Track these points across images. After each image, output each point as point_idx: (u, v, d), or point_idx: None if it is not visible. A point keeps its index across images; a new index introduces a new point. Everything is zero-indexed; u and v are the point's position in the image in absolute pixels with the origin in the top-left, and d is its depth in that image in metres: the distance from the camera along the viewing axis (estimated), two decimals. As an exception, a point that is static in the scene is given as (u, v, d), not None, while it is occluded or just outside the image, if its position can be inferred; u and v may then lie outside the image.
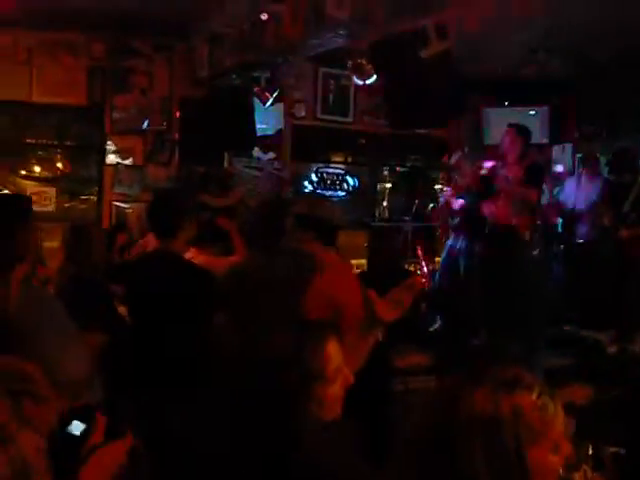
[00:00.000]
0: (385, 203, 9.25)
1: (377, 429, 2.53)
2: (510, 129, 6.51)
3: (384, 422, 2.62)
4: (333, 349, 2.05)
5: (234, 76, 6.97)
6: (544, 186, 7.11)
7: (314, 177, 8.45)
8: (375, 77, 5.26)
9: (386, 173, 9.43)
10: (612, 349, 6.21)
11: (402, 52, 4.46)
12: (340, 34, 5.35)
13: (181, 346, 3.24)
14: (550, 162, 9.70)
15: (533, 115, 9.20)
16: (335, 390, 2.04)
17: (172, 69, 7.68)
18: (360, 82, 5.77)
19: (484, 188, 6.30)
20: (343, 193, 8.73)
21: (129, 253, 5.66)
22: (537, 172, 6.45)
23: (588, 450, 2.25)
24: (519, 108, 9.25)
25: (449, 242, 7.44)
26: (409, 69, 4.43)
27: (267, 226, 4.78)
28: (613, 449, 2.29)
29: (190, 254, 4.64)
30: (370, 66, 5.29)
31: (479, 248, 6.37)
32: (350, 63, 5.71)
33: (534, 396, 1.62)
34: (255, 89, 6.85)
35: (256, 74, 6.94)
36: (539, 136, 9.22)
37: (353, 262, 7.10)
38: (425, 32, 4.41)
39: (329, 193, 8.56)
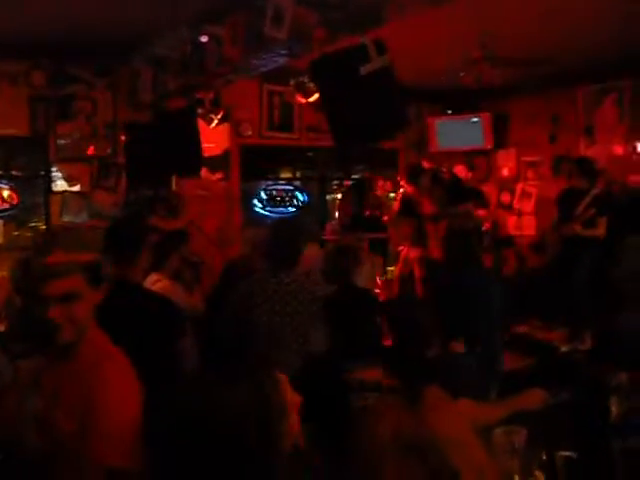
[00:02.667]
0: (336, 216, 9.32)
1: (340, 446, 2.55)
2: None
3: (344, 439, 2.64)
4: (285, 385, 2.01)
5: (178, 99, 6.95)
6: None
7: (263, 195, 8.47)
8: (317, 95, 5.30)
9: (335, 186, 9.53)
10: (564, 349, 6.34)
11: (342, 69, 4.49)
12: (281, 53, 5.38)
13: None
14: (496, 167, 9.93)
15: (476, 122, 9.38)
16: (293, 421, 2.04)
17: (115, 94, 7.64)
18: (303, 100, 5.81)
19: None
20: (293, 209, 8.77)
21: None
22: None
23: (541, 456, 2.30)
24: (462, 116, 9.43)
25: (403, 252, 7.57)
26: (350, 86, 4.46)
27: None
28: (565, 453, 2.34)
29: (153, 279, 4.64)
30: (312, 84, 5.33)
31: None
32: (292, 82, 5.74)
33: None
34: (199, 111, 6.84)
35: (200, 96, 6.93)
36: (484, 142, 9.43)
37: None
38: (364, 48, 4.44)
39: (279, 210, 8.59)
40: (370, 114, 4.50)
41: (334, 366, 2.99)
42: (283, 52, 5.33)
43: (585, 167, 7.23)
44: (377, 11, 4.61)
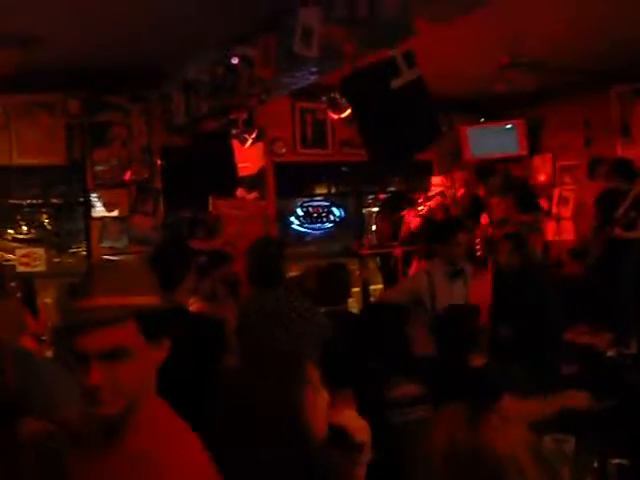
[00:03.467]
0: (373, 229, 9.33)
1: (382, 462, 2.55)
2: None
3: (389, 455, 2.64)
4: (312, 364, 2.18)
5: (212, 120, 7.02)
6: None
7: (300, 212, 8.50)
8: (349, 111, 5.32)
9: (370, 200, 9.54)
10: (610, 353, 6.23)
11: (373, 84, 4.51)
12: (312, 71, 5.42)
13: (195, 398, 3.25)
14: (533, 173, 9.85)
15: (510, 129, 9.33)
16: (321, 400, 2.14)
17: (149, 119, 7.74)
18: (335, 116, 5.84)
19: None
20: (330, 224, 8.79)
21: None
22: None
23: (593, 464, 2.28)
24: (495, 123, 9.39)
25: None
26: (381, 100, 4.48)
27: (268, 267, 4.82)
28: (617, 461, 2.31)
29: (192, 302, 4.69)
30: (343, 100, 5.36)
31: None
32: (324, 98, 5.77)
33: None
34: (234, 131, 6.91)
35: (233, 117, 6.99)
36: (518, 149, 9.37)
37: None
38: (394, 62, 4.46)
39: (316, 226, 8.61)
40: (403, 128, 4.51)
41: (371, 383, 2.99)
42: (314, 69, 5.37)
43: (622, 168, 7.15)
44: (404, 24, 4.62)
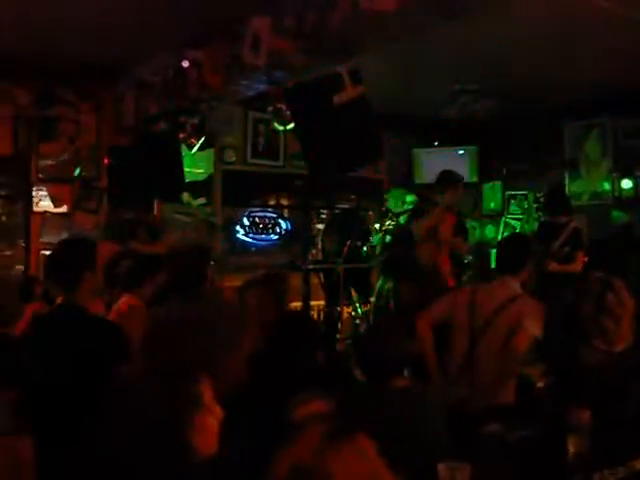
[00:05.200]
0: (319, 245, 9.30)
1: None
2: None
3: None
4: (206, 381, 2.13)
5: (161, 122, 6.96)
6: None
7: (246, 221, 8.44)
8: (293, 124, 5.31)
9: (320, 216, 9.51)
10: (540, 384, 6.25)
11: (316, 98, 4.50)
12: (260, 80, 5.40)
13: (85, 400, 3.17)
14: (481, 200, 9.92)
15: (462, 155, 9.39)
16: (213, 421, 2.10)
17: (99, 117, 7.64)
18: (281, 127, 5.82)
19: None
20: (276, 236, 8.74)
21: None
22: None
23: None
24: (448, 148, 9.45)
25: (379, 283, 7.54)
26: (323, 114, 4.47)
27: (190, 273, 4.80)
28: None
29: (123, 299, 4.59)
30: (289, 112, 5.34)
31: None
32: (270, 109, 5.76)
33: None
34: (181, 135, 6.84)
35: (183, 120, 6.93)
36: (468, 175, 9.43)
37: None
38: (339, 78, 4.46)
39: (262, 237, 8.56)
40: (343, 143, 4.50)
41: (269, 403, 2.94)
42: (262, 79, 5.35)
43: (557, 200, 7.27)
44: (353, 40, 4.63)
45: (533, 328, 4.49)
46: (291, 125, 5.45)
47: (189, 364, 2.18)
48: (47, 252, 7.49)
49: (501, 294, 4.48)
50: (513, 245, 4.87)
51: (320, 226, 9.24)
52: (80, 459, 2.33)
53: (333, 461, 1.55)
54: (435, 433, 3.17)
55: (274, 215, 8.76)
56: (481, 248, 9.00)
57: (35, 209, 7.62)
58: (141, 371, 2.32)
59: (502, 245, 5.25)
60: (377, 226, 8.71)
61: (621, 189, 8.47)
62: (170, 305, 3.95)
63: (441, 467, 2.45)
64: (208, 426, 2.08)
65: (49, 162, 7.58)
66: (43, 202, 7.65)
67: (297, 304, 7.70)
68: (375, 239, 8.40)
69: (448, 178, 6.79)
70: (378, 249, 8.33)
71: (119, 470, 1.96)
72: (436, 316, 4.55)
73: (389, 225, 8.36)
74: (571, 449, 3.06)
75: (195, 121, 7.08)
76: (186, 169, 7.44)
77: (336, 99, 4.38)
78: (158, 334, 2.33)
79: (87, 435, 2.03)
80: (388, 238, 8.21)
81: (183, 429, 2.00)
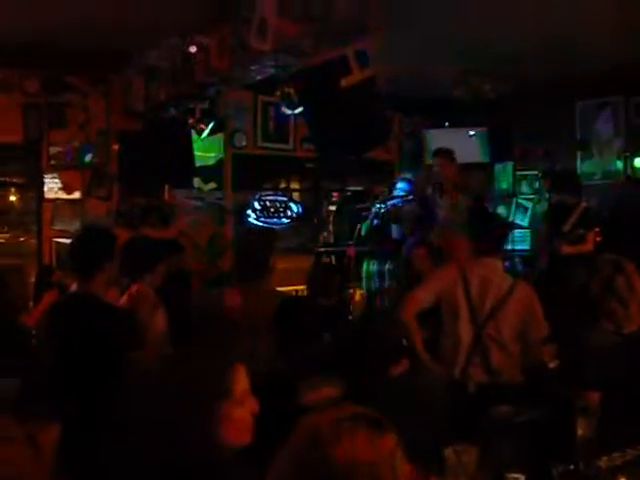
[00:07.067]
0: (330, 228, 9.31)
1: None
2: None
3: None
4: (241, 373, 2.12)
5: (171, 108, 6.96)
6: None
7: (257, 205, 8.43)
8: (302, 107, 5.30)
9: (330, 198, 9.51)
10: (552, 365, 6.24)
11: (323, 81, 4.49)
12: (268, 64, 5.38)
13: (99, 387, 3.20)
14: (493, 181, 9.87)
15: (473, 135, 9.33)
16: (243, 413, 2.10)
17: (108, 103, 7.64)
18: (289, 111, 5.80)
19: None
20: (287, 220, 8.73)
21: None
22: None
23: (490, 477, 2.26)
24: (459, 129, 9.38)
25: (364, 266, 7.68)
26: (330, 98, 4.46)
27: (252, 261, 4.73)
28: (513, 475, 2.30)
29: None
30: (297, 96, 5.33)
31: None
32: (278, 93, 5.74)
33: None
34: (190, 120, 6.84)
35: (192, 105, 6.93)
36: (479, 156, 9.39)
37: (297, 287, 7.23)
38: (345, 61, 4.44)
39: (273, 221, 8.56)
40: (351, 126, 4.49)
41: (285, 386, 2.95)
42: (269, 63, 5.33)
43: (566, 181, 7.24)
44: (361, 22, 4.61)
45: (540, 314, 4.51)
46: (300, 109, 5.45)
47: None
48: (60, 239, 7.58)
49: (497, 278, 4.47)
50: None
51: (331, 208, 9.24)
52: (104, 446, 2.36)
53: (346, 441, 1.56)
54: (436, 418, 3.15)
55: (285, 199, 8.74)
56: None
57: (47, 196, 7.65)
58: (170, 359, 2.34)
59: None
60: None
61: (634, 168, 8.41)
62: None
63: (448, 451, 2.45)
64: (237, 418, 2.07)
65: (59, 149, 7.61)
66: (55, 189, 7.67)
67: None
68: (364, 225, 8.37)
69: (438, 150, 7.29)
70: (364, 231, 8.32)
71: (143, 458, 1.99)
72: (421, 301, 4.49)
73: (379, 209, 8.30)
74: (579, 432, 3.06)
75: (204, 106, 7.08)
76: (196, 154, 7.46)
77: (343, 82, 4.37)
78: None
79: (109, 423, 2.05)
80: (375, 222, 8.21)
81: (207, 420, 2.01)
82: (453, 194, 7.09)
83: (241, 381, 2.11)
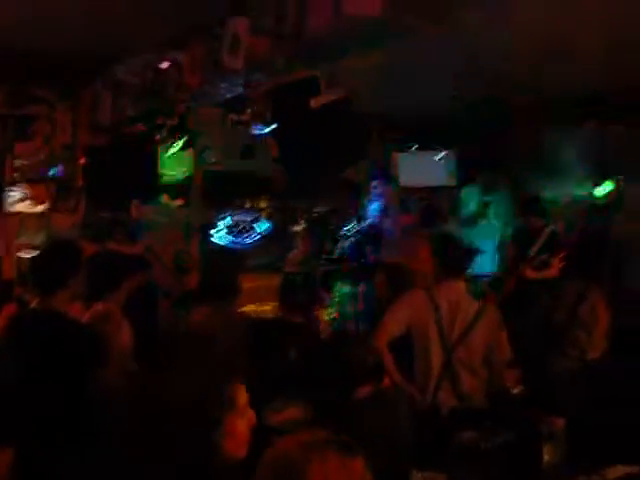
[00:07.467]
0: (300, 247, 9.26)
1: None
2: None
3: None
4: (242, 387, 2.14)
5: (138, 123, 6.91)
6: None
7: (225, 223, 8.38)
8: (273, 126, 5.29)
9: (299, 217, 9.48)
10: (516, 390, 6.25)
11: (293, 101, 4.49)
12: (238, 82, 5.37)
13: (60, 405, 3.14)
14: (460, 204, 9.92)
15: (440, 159, 9.39)
16: (244, 426, 2.10)
17: (75, 116, 7.56)
18: (258, 131, 5.79)
19: None
20: (255, 238, 8.68)
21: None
22: None
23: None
24: (427, 152, 9.43)
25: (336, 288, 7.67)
26: (300, 118, 4.45)
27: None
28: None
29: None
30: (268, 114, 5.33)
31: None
32: (249, 111, 5.73)
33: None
34: (158, 136, 6.80)
35: (160, 122, 6.89)
36: (447, 180, 9.44)
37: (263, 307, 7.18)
38: (315, 81, 4.44)
39: (241, 239, 8.50)
40: (321, 146, 4.49)
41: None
42: (240, 81, 5.32)
43: (533, 205, 7.31)
44: (333, 43, 4.61)
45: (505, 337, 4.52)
46: (269, 128, 5.44)
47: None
48: (24, 254, 7.44)
49: (464, 302, 4.48)
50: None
51: (299, 228, 9.21)
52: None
53: (317, 465, 1.54)
54: (400, 438, 3.12)
55: (252, 217, 8.70)
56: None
57: (10, 210, 7.52)
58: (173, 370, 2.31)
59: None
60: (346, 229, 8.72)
61: (598, 193, 8.51)
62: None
63: (417, 476, 2.43)
64: (239, 429, 2.08)
65: (24, 162, 7.50)
66: (19, 202, 7.54)
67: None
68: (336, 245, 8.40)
69: None
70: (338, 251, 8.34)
71: (144, 467, 1.96)
72: (392, 331, 4.48)
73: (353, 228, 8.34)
74: (546, 457, 3.06)
75: (173, 122, 7.05)
76: (165, 170, 7.41)
77: (312, 103, 4.36)
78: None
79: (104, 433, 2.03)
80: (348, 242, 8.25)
81: (211, 430, 2.00)
82: None
83: (242, 393, 2.13)
